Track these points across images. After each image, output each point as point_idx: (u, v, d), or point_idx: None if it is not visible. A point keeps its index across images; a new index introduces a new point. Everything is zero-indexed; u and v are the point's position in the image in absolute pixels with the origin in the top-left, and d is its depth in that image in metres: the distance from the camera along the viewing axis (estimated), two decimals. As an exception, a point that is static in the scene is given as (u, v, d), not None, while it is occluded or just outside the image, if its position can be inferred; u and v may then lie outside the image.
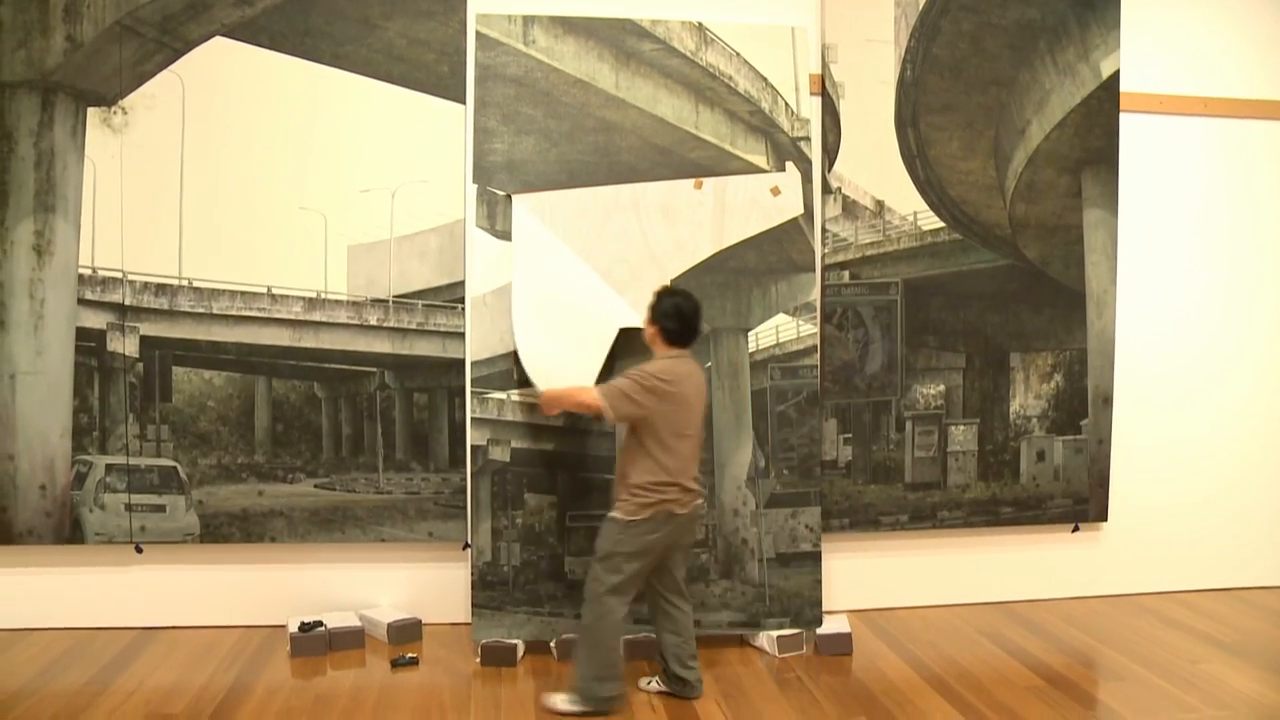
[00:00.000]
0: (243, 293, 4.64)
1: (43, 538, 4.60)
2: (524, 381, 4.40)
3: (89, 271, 4.56)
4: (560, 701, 3.89)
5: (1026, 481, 5.20)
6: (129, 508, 4.64)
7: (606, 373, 4.31)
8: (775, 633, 4.57)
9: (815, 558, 4.72)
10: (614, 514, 3.87)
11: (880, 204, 4.98)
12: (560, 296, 4.44)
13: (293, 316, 4.67)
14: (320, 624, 4.55)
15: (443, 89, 4.68)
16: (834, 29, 4.90)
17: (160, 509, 4.66)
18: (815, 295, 4.82)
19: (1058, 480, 5.22)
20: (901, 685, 4.20)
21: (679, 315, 3.89)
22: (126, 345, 4.60)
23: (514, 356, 4.45)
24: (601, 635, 3.85)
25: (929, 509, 5.11)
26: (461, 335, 4.70)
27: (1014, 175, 5.07)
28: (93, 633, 4.66)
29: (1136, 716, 3.90)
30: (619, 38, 4.64)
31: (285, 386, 4.73)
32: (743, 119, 4.74)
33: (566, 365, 4.28)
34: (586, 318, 4.32)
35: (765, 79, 4.75)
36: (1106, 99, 5.11)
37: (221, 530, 4.68)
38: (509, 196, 4.53)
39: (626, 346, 4.37)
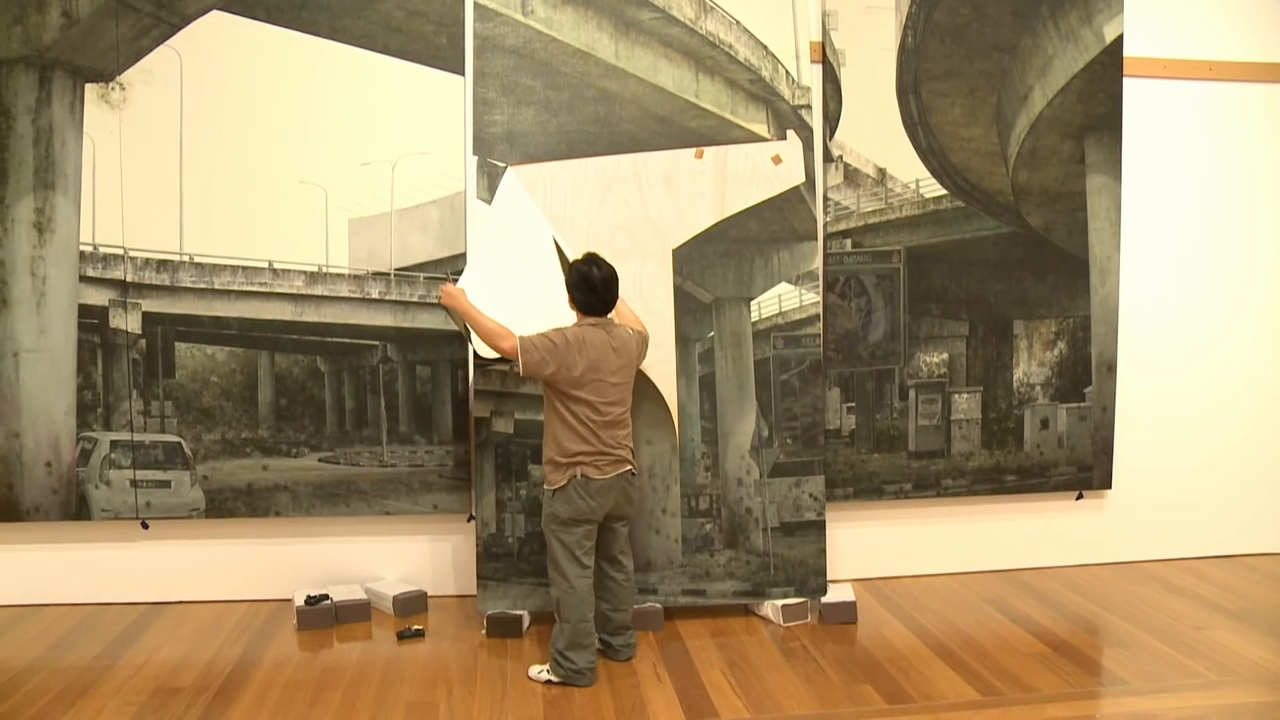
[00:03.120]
0: (244, 268, 4.64)
1: (49, 514, 4.62)
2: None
3: (90, 248, 4.56)
4: (539, 672, 3.97)
5: (1030, 449, 5.19)
6: (134, 484, 4.65)
7: None
8: (780, 602, 4.58)
9: (819, 527, 4.72)
10: (544, 486, 3.99)
11: (882, 172, 4.95)
12: (514, 277, 4.37)
13: (294, 291, 4.67)
14: (326, 597, 4.57)
15: (441, 60, 4.66)
16: (834, -4, 4.87)
17: (165, 484, 4.67)
18: (817, 264, 4.81)
19: (1062, 448, 5.22)
20: (906, 653, 4.21)
21: (588, 284, 3.90)
22: (129, 322, 4.60)
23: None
24: (568, 607, 3.92)
25: (933, 477, 5.11)
26: (463, 308, 4.69)
27: (1016, 142, 5.04)
28: (100, 608, 4.69)
29: (1141, 683, 3.91)
30: (618, 7, 4.60)
31: (288, 361, 4.73)
32: (743, 87, 4.71)
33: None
34: (532, 304, 4.22)
35: (765, 47, 4.72)
36: (1110, 64, 5.07)
37: (226, 505, 4.70)
38: (506, 167, 4.51)
39: None
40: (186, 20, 4.55)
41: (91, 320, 4.58)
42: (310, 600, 4.53)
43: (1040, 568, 5.29)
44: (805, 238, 4.77)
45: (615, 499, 3.96)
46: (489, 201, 4.50)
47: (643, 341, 4.13)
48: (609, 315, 3.99)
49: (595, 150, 4.59)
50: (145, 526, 4.71)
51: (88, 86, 4.54)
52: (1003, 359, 5.16)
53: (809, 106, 4.77)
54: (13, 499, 4.59)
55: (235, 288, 4.64)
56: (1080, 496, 5.32)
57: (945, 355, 5.10)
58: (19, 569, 4.72)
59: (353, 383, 4.77)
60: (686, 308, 4.64)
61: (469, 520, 4.79)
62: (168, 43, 4.56)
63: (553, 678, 3.92)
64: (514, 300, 4.17)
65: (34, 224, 4.53)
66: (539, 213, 4.48)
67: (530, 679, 3.96)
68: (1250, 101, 5.35)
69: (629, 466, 3.99)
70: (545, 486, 3.98)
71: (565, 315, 4.02)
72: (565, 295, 4.00)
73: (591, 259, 3.94)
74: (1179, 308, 5.40)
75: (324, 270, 4.68)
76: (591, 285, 3.90)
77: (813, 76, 4.83)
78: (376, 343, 4.76)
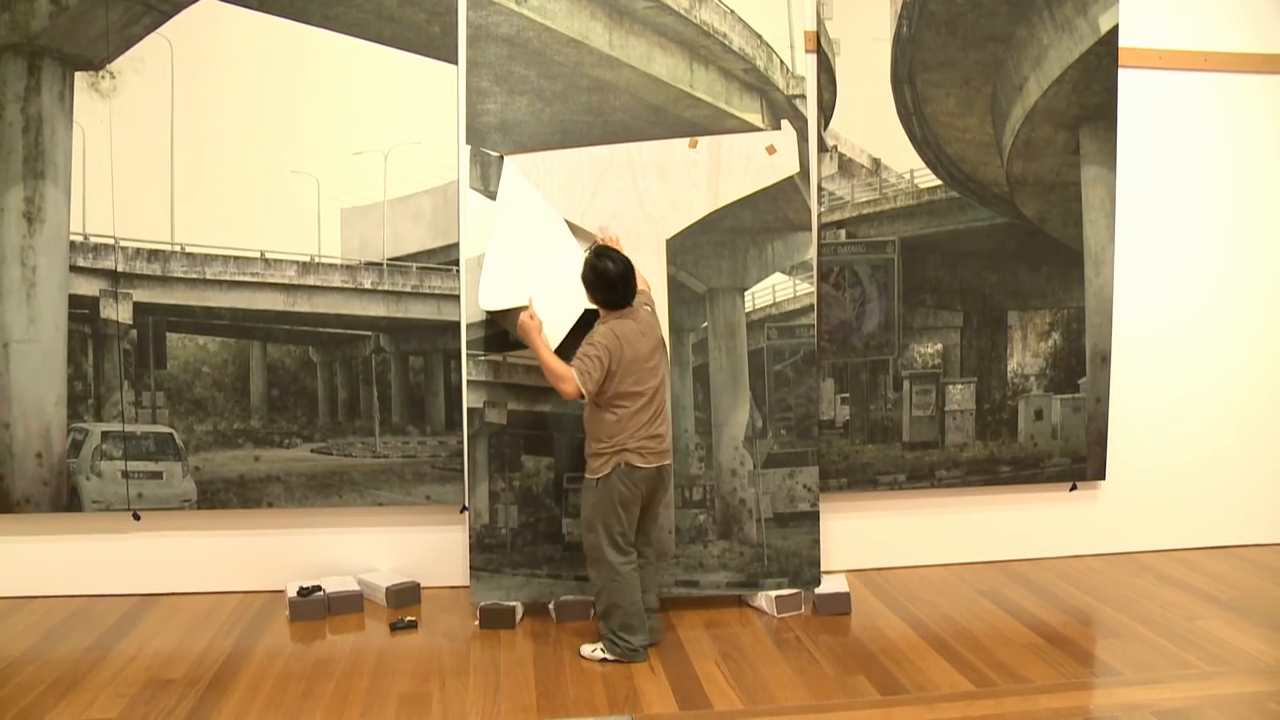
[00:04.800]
0: (236, 258, 4.61)
1: (40, 506, 4.60)
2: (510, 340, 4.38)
3: (80, 238, 4.53)
4: (592, 650, 4.04)
5: (1024, 440, 5.19)
6: (126, 475, 4.63)
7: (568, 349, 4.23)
8: (774, 593, 4.58)
9: (813, 518, 4.72)
10: (586, 475, 4.03)
11: (877, 162, 4.94)
12: (534, 265, 4.37)
13: (286, 281, 4.64)
14: (319, 589, 4.56)
15: (434, 49, 4.63)
16: (829, -15, 4.85)
17: (157, 476, 4.65)
18: (812, 254, 4.80)
19: (1056, 439, 5.22)
20: (900, 644, 4.21)
21: (606, 281, 3.92)
22: (120, 312, 4.57)
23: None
24: (616, 595, 3.98)
25: (927, 468, 5.10)
26: (456, 298, 4.67)
27: (1011, 132, 5.03)
28: (92, 600, 4.67)
29: (1134, 673, 3.91)
30: (612, -5, 4.59)
31: (280, 351, 4.71)
32: (737, 77, 4.69)
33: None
34: (557, 289, 4.23)
35: (760, 36, 4.70)
36: (1105, 54, 5.06)
37: (219, 496, 4.68)
38: (502, 157, 4.49)
39: (588, 327, 4.29)
40: (178, 8, 4.51)
41: (82, 310, 4.55)
42: (303, 592, 4.52)
43: (1034, 559, 5.30)
44: (799, 228, 4.75)
45: (653, 484, 4.02)
46: (482, 191, 4.48)
47: (653, 303, 4.19)
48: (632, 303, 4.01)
49: (589, 140, 4.56)
50: (137, 518, 4.69)
51: (77, 75, 4.50)
52: (997, 350, 5.16)
53: (803, 96, 4.75)
54: (3, 490, 4.57)
55: (227, 278, 4.61)
56: (1074, 487, 5.32)
57: (939, 346, 5.09)
58: (10, 560, 4.70)
59: (345, 373, 4.75)
60: (680, 298, 4.63)
61: (462, 511, 4.77)
62: (158, 31, 4.52)
63: (608, 656, 3.99)
64: (538, 289, 4.20)
65: (24, 213, 4.50)
66: (543, 200, 4.47)
67: (584, 658, 4.02)
68: (1246, 92, 5.34)
69: (668, 460, 4.08)
70: (587, 475, 4.01)
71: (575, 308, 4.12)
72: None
73: (603, 253, 3.96)
74: (1173, 299, 5.40)
75: (316, 260, 4.65)
76: (610, 282, 3.92)
77: (807, 66, 4.81)
78: (369, 333, 4.74)
